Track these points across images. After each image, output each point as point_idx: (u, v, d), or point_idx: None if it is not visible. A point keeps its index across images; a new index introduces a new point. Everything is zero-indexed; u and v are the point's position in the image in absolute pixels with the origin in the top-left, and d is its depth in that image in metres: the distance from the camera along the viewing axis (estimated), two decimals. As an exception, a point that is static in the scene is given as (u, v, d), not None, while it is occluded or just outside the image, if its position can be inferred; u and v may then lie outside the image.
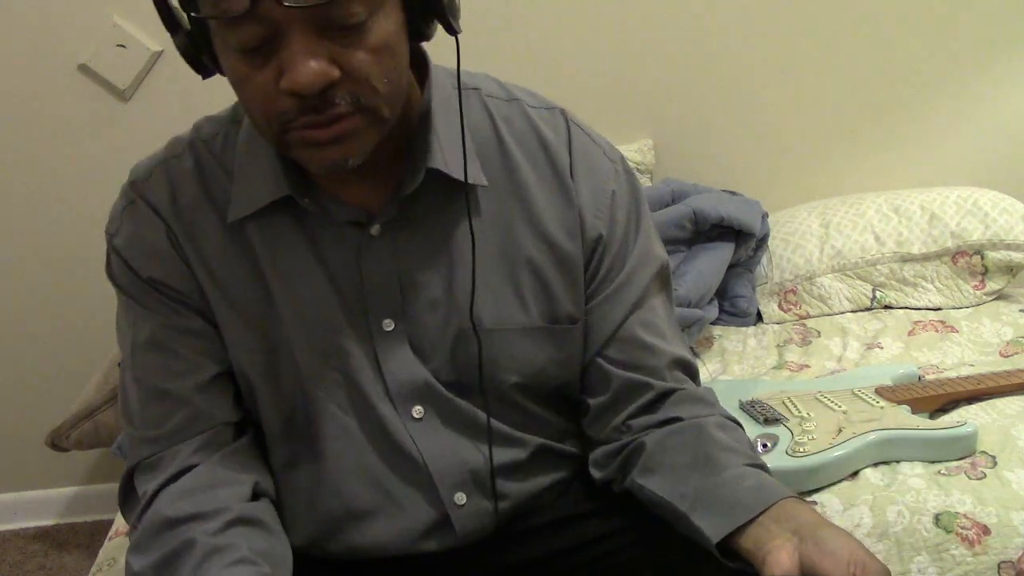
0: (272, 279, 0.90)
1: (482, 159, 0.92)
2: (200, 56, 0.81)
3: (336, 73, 0.75)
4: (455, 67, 0.87)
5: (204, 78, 0.84)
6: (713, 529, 0.80)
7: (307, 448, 0.93)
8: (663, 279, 0.99)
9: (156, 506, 0.88)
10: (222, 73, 0.81)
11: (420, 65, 0.91)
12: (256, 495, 0.91)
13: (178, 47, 0.82)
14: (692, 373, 1.00)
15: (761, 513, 0.79)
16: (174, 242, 0.91)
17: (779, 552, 0.75)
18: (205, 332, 0.92)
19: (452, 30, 0.82)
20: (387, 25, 0.77)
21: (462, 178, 0.88)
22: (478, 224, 0.91)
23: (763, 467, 0.88)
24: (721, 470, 0.85)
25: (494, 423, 0.93)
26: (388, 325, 0.90)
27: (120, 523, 1.42)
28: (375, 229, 0.89)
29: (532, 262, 0.93)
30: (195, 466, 0.90)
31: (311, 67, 0.73)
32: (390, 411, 0.91)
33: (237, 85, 0.79)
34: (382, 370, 0.91)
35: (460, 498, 0.92)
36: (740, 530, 0.79)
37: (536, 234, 0.93)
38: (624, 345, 0.95)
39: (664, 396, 0.96)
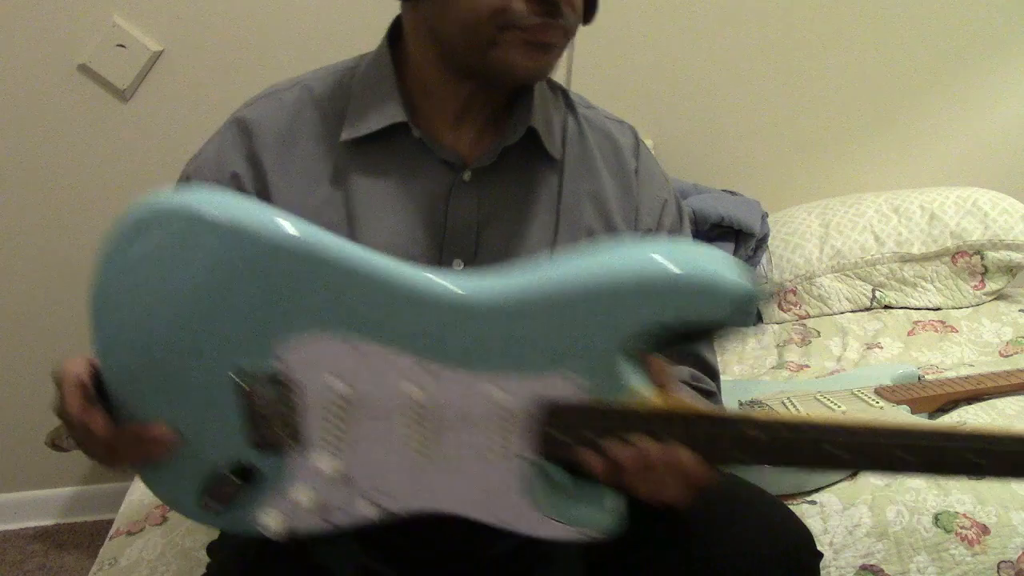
0: (359, 204, 0.96)
1: (564, 141, 1.02)
2: None
3: None
4: None
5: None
6: None
7: None
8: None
9: None
10: None
11: None
12: None
13: None
14: (712, 373, 1.05)
15: None
16: (254, 163, 0.97)
17: None
18: None
19: (588, 19, 0.97)
20: None
21: (554, 152, 0.99)
22: (552, 195, 1.00)
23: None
24: None
25: None
26: (458, 265, 0.96)
27: (120, 523, 1.42)
28: (467, 175, 0.97)
29: (592, 233, 1.01)
30: None
31: None
32: None
33: None
34: None
35: None
36: None
37: (599, 212, 1.02)
38: None
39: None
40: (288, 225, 0.78)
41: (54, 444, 1.87)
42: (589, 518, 0.82)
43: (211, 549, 1.07)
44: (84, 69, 2.04)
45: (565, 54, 0.96)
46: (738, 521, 0.88)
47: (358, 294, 0.78)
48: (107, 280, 0.81)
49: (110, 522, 1.49)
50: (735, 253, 1.95)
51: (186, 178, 1.00)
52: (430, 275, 0.79)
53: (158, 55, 2.05)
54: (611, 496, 0.82)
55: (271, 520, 0.86)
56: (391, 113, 0.96)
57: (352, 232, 0.95)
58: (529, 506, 0.82)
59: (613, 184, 1.04)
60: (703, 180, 2.07)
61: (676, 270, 0.74)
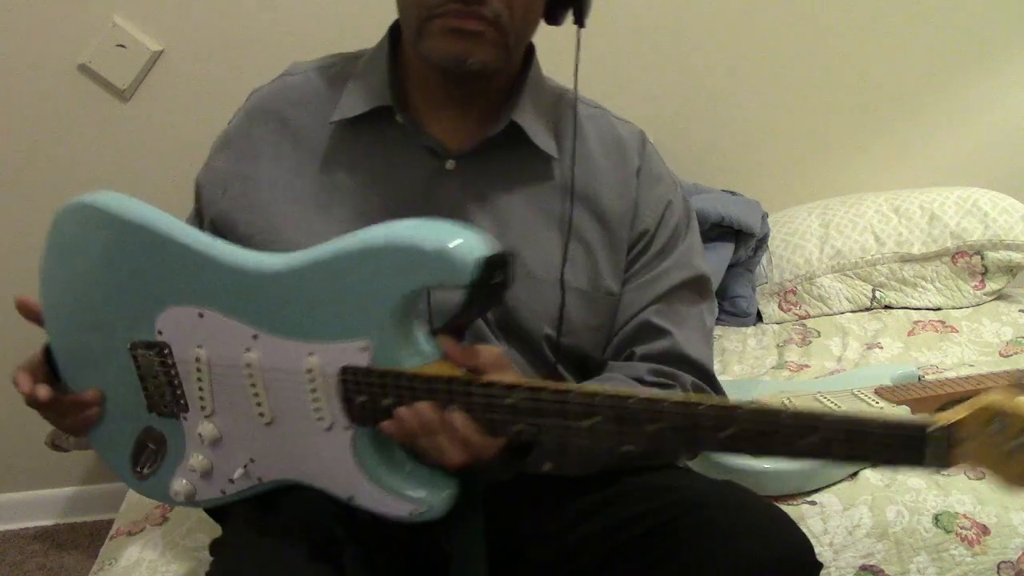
0: (343, 187, 1.00)
1: (558, 137, 1.04)
2: None
3: None
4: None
5: None
6: None
7: None
8: (699, 290, 1.07)
9: None
10: None
11: (526, 49, 1.04)
12: None
13: None
14: (706, 377, 1.04)
15: None
16: (248, 156, 1.03)
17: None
18: None
19: (581, 21, 1.01)
20: None
21: (541, 144, 1.01)
22: (542, 189, 1.02)
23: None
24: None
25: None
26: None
27: (120, 523, 1.42)
28: (450, 163, 1.00)
29: (581, 233, 1.02)
30: None
31: None
32: None
33: None
34: None
35: None
36: None
37: (591, 209, 1.03)
38: (639, 329, 1.03)
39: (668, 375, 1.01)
40: (154, 218, 0.95)
41: (54, 444, 1.88)
42: (419, 496, 0.87)
43: (214, 547, 1.06)
44: (84, 69, 2.04)
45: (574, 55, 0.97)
46: (737, 530, 0.87)
47: (203, 272, 0.92)
48: (44, 267, 1.03)
49: (110, 522, 1.49)
50: (735, 253, 1.95)
51: (197, 187, 1.09)
52: (251, 252, 0.92)
53: (158, 55, 2.05)
54: (444, 478, 0.87)
55: (180, 487, 0.99)
56: (378, 96, 0.99)
57: (334, 215, 0.99)
58: (365, 478, 0.89)
59: (610, 182, 1.04)
60: (703, 180, 2.07)
61: (418, 240, 0.82)
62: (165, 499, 1.02)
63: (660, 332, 1.03)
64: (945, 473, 1.28)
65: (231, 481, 0.96)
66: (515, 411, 0.80)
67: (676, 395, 0.86)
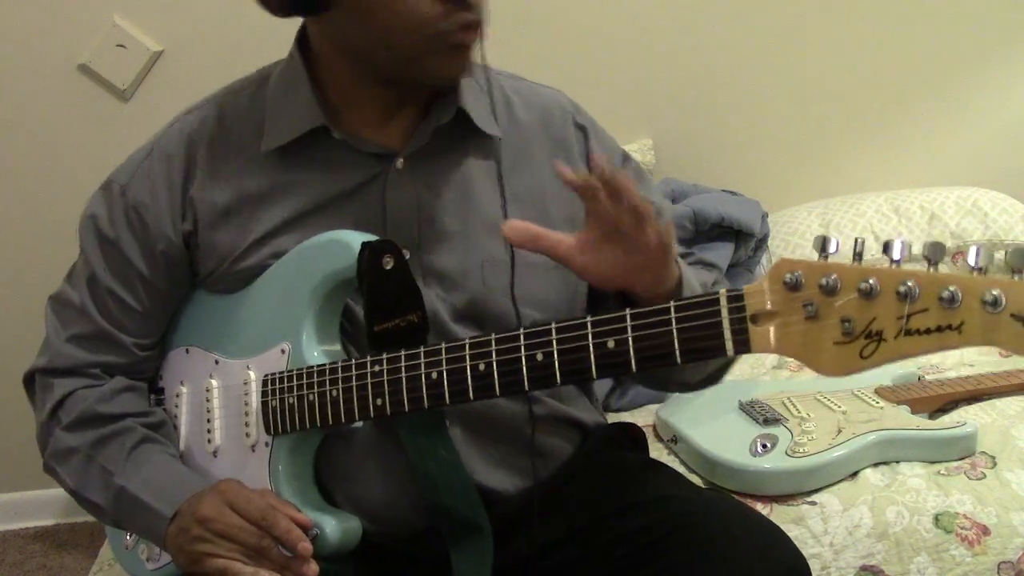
0: (298, 211, 0.96)
1: (495, 117, 1.00)
2: None
3: None
4: None
5: (316, 13, 0.92)
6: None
7: None
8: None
9: (85, 402, 1.00)
10: (314, 9, 0.91)
11: None
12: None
13: None
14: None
15: None
16: (185, 187, 0.98)
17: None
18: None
19: None
20: None
21: (485, 126, 0.98)
22: (493, 169, 0.99)
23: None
24: None
25: None
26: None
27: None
28: (400, 163, 0.96)
29: (538, 212, 0.98)
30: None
31: None
32: None
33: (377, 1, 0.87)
34: None
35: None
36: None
37: (543, 191, 1.00)
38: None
39: None
40: None
41: (54, 444, 1.87)
42: (312, 517, 0.90)
43: None
44: (84, 69, 2.04)
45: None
46: (731, 546, 0.86)
47: (189, 310, 1.03)
48: None
49: (110, 522, 1.48)
50: (735, 253, 1.95)
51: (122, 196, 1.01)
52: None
53: (158, 55, 2.05)
54: (345, 519, 0.91)
55: (139, 545, 1.05)
56: (309, 117, 0.95)
57: (299, 239, 0.95)
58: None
59: (550, 149, 1.02)
60: (703, 180, 2.07)
61: (317, 238, 0.92)
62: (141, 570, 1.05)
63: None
64: (944, 472, 1.28)
65: None
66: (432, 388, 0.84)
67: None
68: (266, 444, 0.93)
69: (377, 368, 0.86)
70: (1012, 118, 2.21)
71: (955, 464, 1.30)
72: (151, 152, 1.00)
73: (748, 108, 2.19)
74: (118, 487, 0.96)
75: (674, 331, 0.73)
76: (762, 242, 2.01)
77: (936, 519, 1.22)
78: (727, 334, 0.71)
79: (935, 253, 0.63)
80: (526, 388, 0.80)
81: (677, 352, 0.73)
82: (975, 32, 2.16)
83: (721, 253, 1.93)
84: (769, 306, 0.69)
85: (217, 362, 0.99)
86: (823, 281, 0.66)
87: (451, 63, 0.90)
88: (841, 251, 0.67)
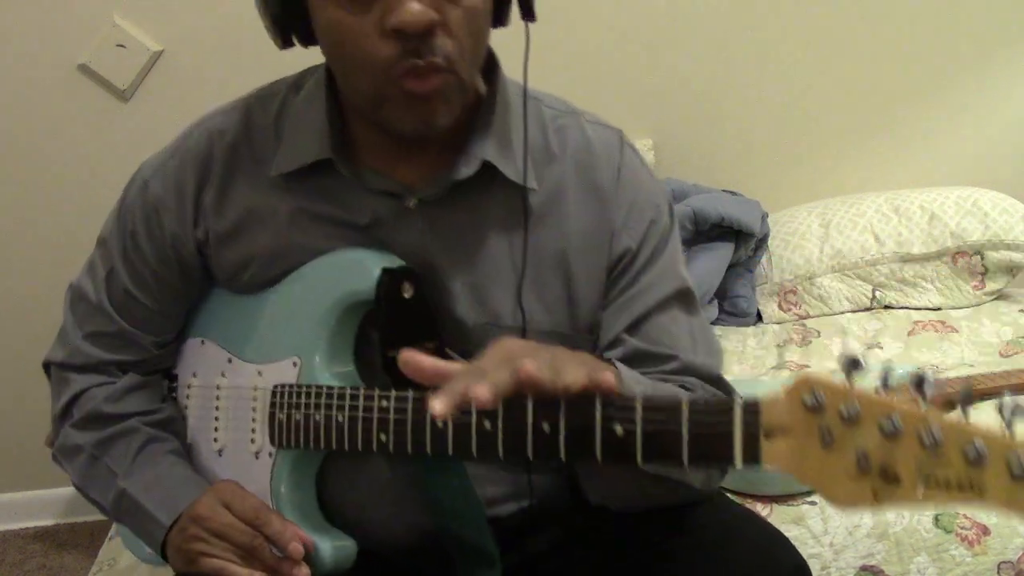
0: (303, 239, 0.92)
1: (535, 163, 0.92)
2: (289, 20, 0.85)
3: (437, 16, 0.78)
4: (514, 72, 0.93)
5: (282, 48, 0.88)
6: None
7: None
8: (684, 301, 0.95)
9: (93, 401, 0.99)
10: (307, 42, 0.86)
11: (487, 62, 0.92)
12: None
13: (269, 11, 0.85)
14: (710, 380, 0.93)
15: None
16: (199, 194, 0.95)
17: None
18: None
19: (530, 15, 0.90)
20: None
21: (516, 179, 0.90)
22: (518, 223, 0.91)
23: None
24: None
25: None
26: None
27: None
28: (412, 202, 0.90)
29: (559, 270, 0.92)
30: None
31: (416, 5, 0.76)
32: None
33: (336, 38, 0.81)
34: None
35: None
36: None
37: (567, 245, 0.92)
38: (620, 350, 0.93)
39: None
40: None
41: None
42: (317, 547, 0.89)
43: None
44: (84, 69, 2.04)
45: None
46: (733, 552, 0.86)
47: (207, 302, 1.01)
48: None
49: (110, 522, 1.49)
50: (735, 253, 1.95)
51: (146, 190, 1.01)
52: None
53: (158, 55, 2.05)
54: (339, 539, 0.91)
55: None
56: (317, 148, 0.89)
57: (287, 262, 0.93)
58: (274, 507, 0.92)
59: (582, 208, 0.93)
60: (703, 180, 2.07)
61: (337, 256, 0.90)
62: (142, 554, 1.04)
63: (651, 357, 0.91)
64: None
65: None
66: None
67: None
68: (270, 454, 0.93)
69: (385, 404, 0.83)
70: (1012, 118, 2.21)
71: (955, 464, 1.30)
72: (175, 152, 0.99)
73: (748, 108, 2.19)
74: (120, 489, 0.96)
75: (684, 431, 0.68)
76: (762, 242, 2.01)
77: (936, 519, 1.22)
78: (737, 446, 0.66)
79: (966, 397, 0.62)
80: (529, 455, 0.74)
81: (685, 452, 0.68)
82: (975, 32, 2.16)
83: (721, 253, 1.93)
84: (785, 423, 0.64)
85: (230, 361, 0.98)
86: (844, 411, 0.61)
87: (409, 115, 0.81)
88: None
